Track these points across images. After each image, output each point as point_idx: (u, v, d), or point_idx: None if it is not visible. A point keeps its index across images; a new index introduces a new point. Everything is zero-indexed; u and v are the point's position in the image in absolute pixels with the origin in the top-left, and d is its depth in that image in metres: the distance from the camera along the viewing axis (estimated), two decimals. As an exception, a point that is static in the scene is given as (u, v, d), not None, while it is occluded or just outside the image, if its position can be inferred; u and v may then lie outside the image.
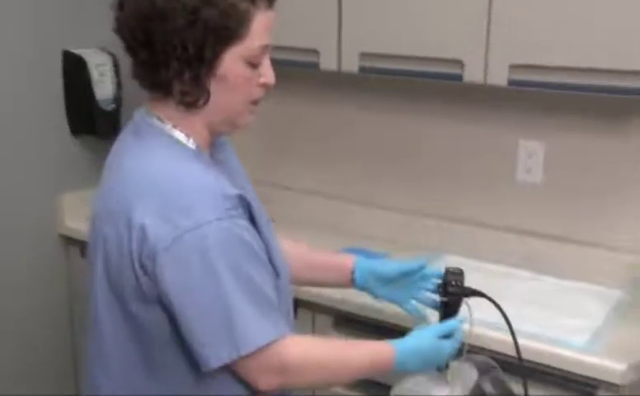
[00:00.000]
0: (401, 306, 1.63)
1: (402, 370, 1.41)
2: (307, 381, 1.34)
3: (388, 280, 1.57)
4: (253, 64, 1.30)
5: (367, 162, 2.50)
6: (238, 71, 1.28)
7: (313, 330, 2.05)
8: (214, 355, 1.22)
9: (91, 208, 1.37)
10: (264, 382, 1.28)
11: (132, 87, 1.35)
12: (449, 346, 1.43)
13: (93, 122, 2.55)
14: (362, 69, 2.13)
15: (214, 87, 1.28)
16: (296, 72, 2.31)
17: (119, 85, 2.57)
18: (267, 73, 1.33)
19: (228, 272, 1.21)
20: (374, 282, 1.58)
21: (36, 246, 2.55)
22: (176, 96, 1.28)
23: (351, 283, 1.61)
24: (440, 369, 1.46)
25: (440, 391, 1.44)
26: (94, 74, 2.52)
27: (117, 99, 2.57)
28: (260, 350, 1.24)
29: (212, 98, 1.29)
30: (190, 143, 1.31)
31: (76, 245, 2.55)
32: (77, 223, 2.52)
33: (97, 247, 1.30)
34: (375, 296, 1.61)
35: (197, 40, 1.23)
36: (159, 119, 1.31)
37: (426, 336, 1.42)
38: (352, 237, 2.35)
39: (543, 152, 2.16)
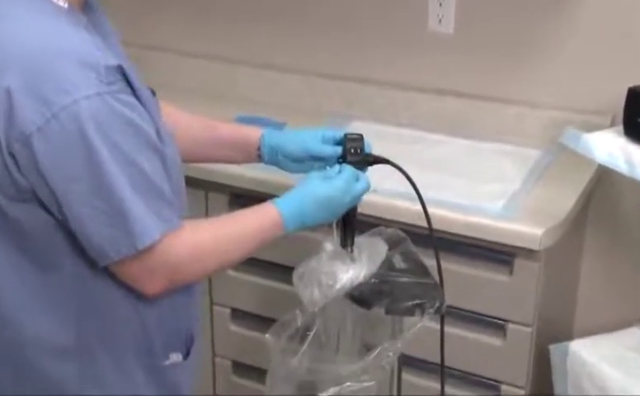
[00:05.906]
0: None
1: (298, 225, 1.36)
2: (198, 275, 1.30)
3: (296, 159, 1.51)
4: None
5: (256, 15, 2.33)
6: None
7: (207, 210, 1.97)
8: (113, 248, 1.15)
9: None
10: (152, 286, 1.22)
11: None
12: (343, 179, 1.38)
13: None
14: None
15: None
16: None
17: None
18: None
19: (113, 159, 1.12)
20: (282, 158, 1.52)
21: None
22: None
23: (258, 159, 1.55)
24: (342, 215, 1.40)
25: (345, 269, 1.39)
26: None
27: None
28: (146, 249, 1.17)
29: None
30: (62, 2, 1.19)
31: None
32: None
33: None
34: (285, 170, 1.54)
35: None
36: None
37: (312, 180, 1.38)
38: (243, 104, 2.22)
39: (455, -1, 2.12)
